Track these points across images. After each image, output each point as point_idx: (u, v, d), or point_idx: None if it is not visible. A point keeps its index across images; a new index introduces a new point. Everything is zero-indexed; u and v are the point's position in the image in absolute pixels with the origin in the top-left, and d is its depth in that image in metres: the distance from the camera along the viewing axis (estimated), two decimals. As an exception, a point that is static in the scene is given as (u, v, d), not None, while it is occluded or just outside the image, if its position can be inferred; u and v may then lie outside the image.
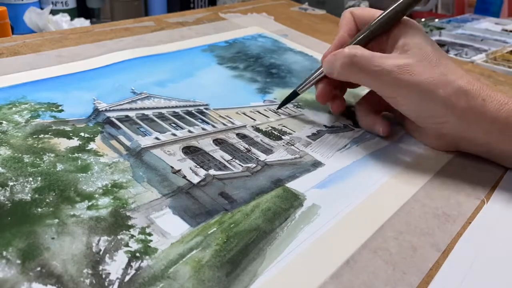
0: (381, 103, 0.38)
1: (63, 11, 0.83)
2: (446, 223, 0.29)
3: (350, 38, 0.39)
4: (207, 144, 0.34)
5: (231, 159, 0.33)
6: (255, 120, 0.39)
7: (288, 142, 0.36)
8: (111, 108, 0.37)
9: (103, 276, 0.22)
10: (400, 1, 0.37)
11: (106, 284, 0.21)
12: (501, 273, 0.26)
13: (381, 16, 0.37)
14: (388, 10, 0.37)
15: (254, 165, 0.33)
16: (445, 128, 0.34)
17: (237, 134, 0.37)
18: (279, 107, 0.42)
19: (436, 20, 0.93)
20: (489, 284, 0.25)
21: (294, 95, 0.41)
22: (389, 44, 0.37)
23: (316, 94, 0.40)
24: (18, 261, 0.22)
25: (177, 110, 0.39)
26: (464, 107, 0.32)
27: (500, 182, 0.34)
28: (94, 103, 0.37)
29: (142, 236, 0.24)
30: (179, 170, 0.31)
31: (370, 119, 0.39)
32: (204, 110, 0.40)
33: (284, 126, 0.39)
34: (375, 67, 0.33)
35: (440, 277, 0.25)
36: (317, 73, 0.40)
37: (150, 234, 0.25)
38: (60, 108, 0.36)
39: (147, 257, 0.23)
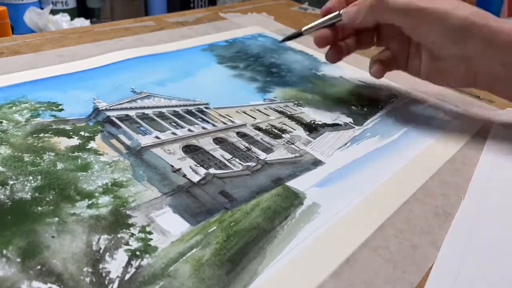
0: (394, 60, 0.43)
1: (63, 11, 0.83)
2: (447, 222, 0.29)
3: None
4: (207, 143, 0.34)
5: (231, 158, 0.33)
6: (255, 118, 0.39)
7: (288, 141, 0.36)
8: (111, 107, 0.37)
9: (103, 274, 0.22)
10: None
11: (106, 282, 0.21)
12: (497, 271, 0.26)
13: None
14: None
15: (254, 163, 0.32)
16: (467, 52, 0.37)
17: (237, 133, 0.37)
18: (282, 41, 0.48)
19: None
20: (483, 280, 0.25)
21: (298, 34, 0.45)
22: None
23: (316, 36, 0.42)
24: (18, 260, 0.22)
25: (177, 109, 0.39)
26: (481, 24, 0.36)
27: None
28: (94, 102, 0.37)
29: (142, 235, 0.24)
30: (179, 169, 0.30)
31: (376, 66, 0.43)
32: (204, 109, 0.40)
33: (284, 124, 0.39)
34: (400, 1, 0.37)
35: (435, 273, 0.25)
36: (326, 18, 0.42)
37: (150, 233, 0.25)
38: (60, 107, 0.36)
39: (147, 255, 0.23)
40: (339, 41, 0.44)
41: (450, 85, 0.42)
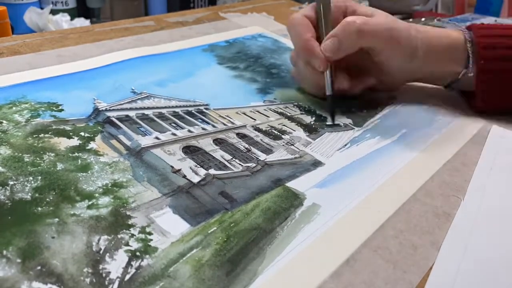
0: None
1: (63, 11, 0.83)
2: (447, 222, 0.29)
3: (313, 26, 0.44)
4: (207, 144, 0.34)
5: (231, 159, 0.33)
6: (255, 120, 0.39)
7: (288, 142, 0.36)
8: (111, 108, 0.37)
9: (104, 275, 0.22)
10: None
11: (106, 283, 0.21)
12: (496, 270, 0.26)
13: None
14: None
15: (254, 164, 0.33)
16: (412, 67, 0.43)
17: (237, 134, 0.37)
18: (333, 121, 0.41)
19: (436, 19, 0.93)
20: (483, 281, 0.25)
21: (333, 105, 0.41)
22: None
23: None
24: (19, 260, 0.22)
25: (177, 110, 0.39)
26: (422, 48, 0.42)
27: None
28: (94, 103, 0.37)
29: (142, 235, 0.24)
30: (179, 170, 0.31)
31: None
32: (204, 110, 0.40)
33: (284, 125, 0.39)
34: (373, 27, 0.41)
35: (435, 273, 0.25)
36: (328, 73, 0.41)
37: (150, 233, 0.25)
38: (60, 107, 0.36)
39: (147, 256, 0.23)
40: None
41: (390, 90, 0.47)
